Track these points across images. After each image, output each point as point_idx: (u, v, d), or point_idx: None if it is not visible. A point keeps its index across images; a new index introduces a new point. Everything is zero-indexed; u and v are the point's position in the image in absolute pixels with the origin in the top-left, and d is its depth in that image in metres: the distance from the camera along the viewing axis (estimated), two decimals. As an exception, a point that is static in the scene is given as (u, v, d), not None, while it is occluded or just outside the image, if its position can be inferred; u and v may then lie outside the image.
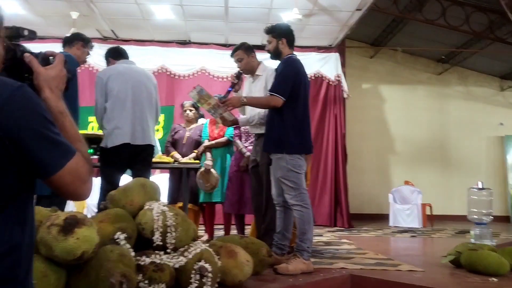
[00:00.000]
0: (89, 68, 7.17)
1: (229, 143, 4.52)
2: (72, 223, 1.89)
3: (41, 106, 1.02)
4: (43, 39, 7.07)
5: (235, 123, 3.63)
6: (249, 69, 3.67)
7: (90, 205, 4.91)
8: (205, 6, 6.11)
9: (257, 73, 3.67)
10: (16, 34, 1.17)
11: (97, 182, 3.46)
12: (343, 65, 7.71)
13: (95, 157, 3.72)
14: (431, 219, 7.50)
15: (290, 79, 3.19)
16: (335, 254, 4.02)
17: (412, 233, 6.39)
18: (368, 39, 8.83)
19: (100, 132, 3.87)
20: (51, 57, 1.17)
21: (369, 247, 4.50)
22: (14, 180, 0.98)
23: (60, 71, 1.16)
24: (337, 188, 7.40)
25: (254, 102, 3.34)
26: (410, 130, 8.93)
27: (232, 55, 3.70)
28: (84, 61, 3.75)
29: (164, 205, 2.46)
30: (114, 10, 6.29)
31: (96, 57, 6.98)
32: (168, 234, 2.36)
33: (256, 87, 3.67)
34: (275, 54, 3.36)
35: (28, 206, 1.05)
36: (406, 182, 8.06)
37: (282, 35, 3.32)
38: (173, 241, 2.37)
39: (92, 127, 6.13)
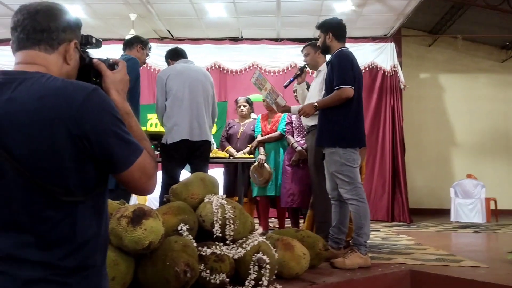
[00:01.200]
0: (147, 68, 7.46)
1: (282, 138, 4.56)
2: (140, 215, 2.01)
3: (113, 107, 1.10)
4: (104, 40, 7.47)
5: (287, 110, 3.73)
6: (313, 64, 3.83)
7: (151, 198, 5.13)
8: (257, 2, 6.15)
9: (319, 69, 3.76)
10: (86, 41, 1.26)
11: (159, 176, 3.63)
12: (399, 54, 7.49)
13: (156, 153, 3.89)
14: (496, 214, 7.14)
15: (349, 68, 3.17)
16: (394, 250, 3.95)
17: (475, 229, 6.12)
18: (425, 27, 8.49)
19: (159, 129, 4.05)
20: (115, 64, 1.27)
21: (429, 243, 4.38)
22: (92, 176, 1.07)
23: (125, 75, 1.26)
24: (395, 182, 7.22)
25: (327, 102, 3.23)
26: (472, 120, 8.51)
27: (302, 50, 3.94)
28: (144, 62, 3.92)
29: (222, 198, 2.54)
30: (169, 10, 6.49)
31: (154, 57, 7.27)
32: (227, 226, 2.44)
33: (315, 82, 3.75)
34: (324, 49, 3.41)
35: (103, 199, 1.15)
36: (469, 176, 7.72)
37: (328, 29, 3.31)
38: (232, 233, 2.44)
39: (151, 124, 6.38)
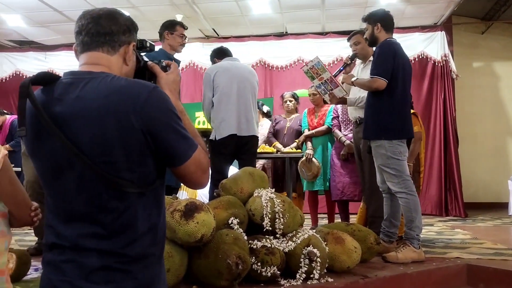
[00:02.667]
0: (193, 67, 7.61)
1: (329, 132, 4.51)
2: (192, 209, 2.08)
3: (171, 104, 1.16)
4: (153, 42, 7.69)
5: (342, 102, 3.74)
6: (363, 54, 3.73)
7: (201, 194, 5.23)
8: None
9: (370, 59, 3.67)
10: (141, 45, 1.35)
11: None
12: (450, 43, 7.19)
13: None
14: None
15: (389, 60, 3.11)
16: (448, 244, 3.83)
17: (536, 223, 5.81)
18: (478, 13, 8.10)
19: (207, 127, 4.13)
20: (168, 66, 1.33)
21: (486, 237, 4.21)
22: (153, 169, 1.13)
23: (177, 76, 1.33)
24: (448, 175, 6.96)
25: (361, 83, 3.32)
26: (531, 110, 8.05)
27: (349, 39, 3.81)
28: (181, 45, 3.67)
29: (271, 192, 2.57)
30: (215, 9, 6.59)
31: (200, 56, 7.45)
32: (277, 220, 2.46)
33: (364, 73, 3.66)
34: (372, 41, 3.33)
35: (161, 192, 1.20)
36: (528, 168, 7.32)
37: (377, 20, 3.26)
38: (282, 226, 2.46)
39: (199, 122, 6.51)
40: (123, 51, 1.22)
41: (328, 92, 3.62)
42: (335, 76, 3.63)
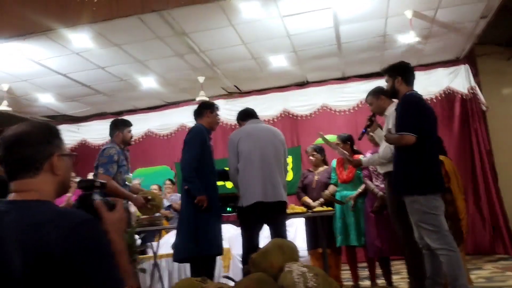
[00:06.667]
0: (220, 124, 7.70)
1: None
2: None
3: (104, 241, 1.16)
4: (175, 104, 7.90)
5: (359, 164, 3.86)
6: (379, 111, 3.77)
7: (235, 255, 5.15)
8: (318, 47, 6.18)
9: (386, 113, 3.67)
10: (91, 185, 1.40)
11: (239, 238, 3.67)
12: (475, 75, 7.04)
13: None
14: None
15: (414, 114, 3.07)
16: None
17: None
18: (501, 40, 7.96)
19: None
20: (114, 205, 1.36)
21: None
22: None
23: (122, 214, 1.35)
24: (492, 210, 6.62)
25: (390, 140, 3.23)
26: None
27: (365, 100, 3.95)
28: (217, 123, 4.05)
29: (303, 266, 2.48)
30: (234, 69, 6.73)
31: (224, 111, 7.54)
32: (311, 296, 2.35)
33: (384, 127, 3.65)
34: (393, 93, 3.34)
35: None
36: None
37: (396, 73, 3.27)
38: (317, 302, 2.35)
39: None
40: (48, 167, 1.23)
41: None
42: (360, 139, 3.88)
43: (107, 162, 3.83)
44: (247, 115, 3.97)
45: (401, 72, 3.27)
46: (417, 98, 3.16)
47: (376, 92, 3.74)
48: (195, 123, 3.90)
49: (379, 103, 3.70)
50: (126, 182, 4.09)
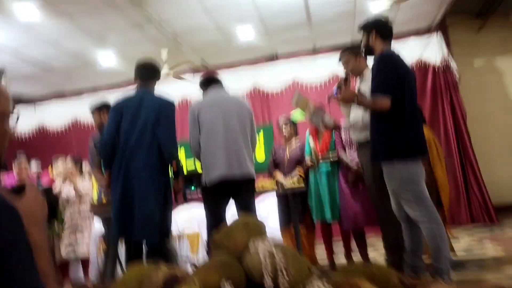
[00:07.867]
0: (187, 102, 7.35)
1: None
2: (172, 283, 1.72)
3: (17, 234, 0.89)
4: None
5: (336, 127, 3.62)
6: (357, 70, 3.40)
7: (204, 239, 4.86)
8: (286, 16, 5.85)
9: (364, 75, 3.35)
10: None
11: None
12: (448, 44, 6.88)
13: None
14: None
15: (389, 75, 2.79)
16: (481, 265, 3.42)
17: None
18: (472, 10, 7.81)
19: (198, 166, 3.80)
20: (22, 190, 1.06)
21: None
22: None
23: (34, 201, 1.05)
24: (467, 180, 6.56)
25: (365, 103, 2.89)
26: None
27: (339, 60, 3.49)
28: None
29: (270, 244, 2.20)
30: (199, 41, 6.35)
31: (190, 89, 7.18)
32: (280, 276, 2.08)
33: (362, 89, 3.31)
34: (368, 50, 3.03)
35: None
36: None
37: (372, 27, 2.97)
38: (287, 284, 2.08)
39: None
40: None
41: (321, 122, 3.37)
42: (329, 101, 3.35)
43: None
44: (209, 80, 3.56)
45: (376, 25, 2.97)
46: (395, 56, 2.88)
47: (355, 49, 3.38)
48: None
49: (357, 62, 3.35)
50: None
